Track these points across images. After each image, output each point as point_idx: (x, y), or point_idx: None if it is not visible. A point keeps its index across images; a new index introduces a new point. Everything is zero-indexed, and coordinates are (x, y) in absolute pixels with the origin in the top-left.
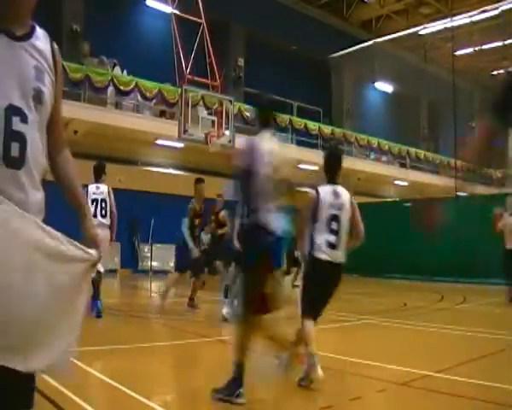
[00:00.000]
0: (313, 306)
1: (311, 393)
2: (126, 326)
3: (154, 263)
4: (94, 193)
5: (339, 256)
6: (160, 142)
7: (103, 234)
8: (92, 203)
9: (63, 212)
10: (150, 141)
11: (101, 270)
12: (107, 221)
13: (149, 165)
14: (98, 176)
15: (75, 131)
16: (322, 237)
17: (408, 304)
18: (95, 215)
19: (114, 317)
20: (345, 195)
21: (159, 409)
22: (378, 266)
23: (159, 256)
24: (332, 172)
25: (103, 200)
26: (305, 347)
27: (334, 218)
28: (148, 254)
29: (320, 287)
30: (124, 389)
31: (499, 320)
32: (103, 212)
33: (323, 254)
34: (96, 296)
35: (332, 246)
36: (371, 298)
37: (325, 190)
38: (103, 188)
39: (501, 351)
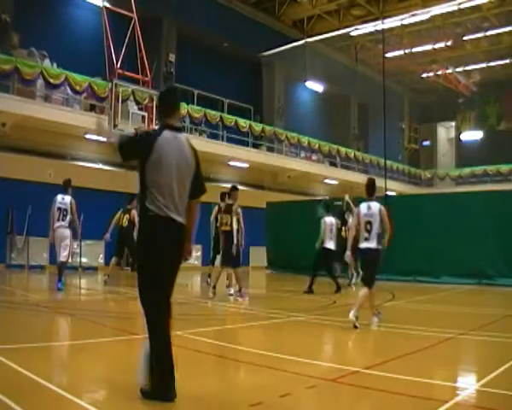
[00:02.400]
0: None
1: (240, 389)
2: (57, 323)
3: (84, 259)
4: (60, 202)
5: None
6: (89, 136)
7: (62, 232)
8: (58, 210)
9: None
10: (80, 135)
11: (63, 259)
12: (66, 223)
13: (79, 159)
14: (65, 189)
15: (3, 124)
16: None
17: (337, 302)
18: (58, 219)
19: (43, 314)
20: None
21: (89, 407)
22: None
23: (88, 252)
24: None
25: (65, 209)
26: None
27: None
28: (78, 250)
29: None
30: (54, 388)
31: (429, 318)
32: (64, 218)
33: None
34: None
35: None
36: (301, 295)
37: None
38: (67, 199)
39: (428, 347)
